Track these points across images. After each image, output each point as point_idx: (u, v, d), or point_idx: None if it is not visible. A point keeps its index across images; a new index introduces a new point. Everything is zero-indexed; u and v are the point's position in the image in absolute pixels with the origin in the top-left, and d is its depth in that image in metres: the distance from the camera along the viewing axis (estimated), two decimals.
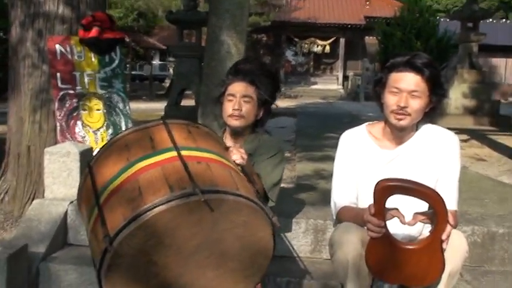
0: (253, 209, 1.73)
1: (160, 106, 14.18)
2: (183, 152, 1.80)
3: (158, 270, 1.71)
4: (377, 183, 1.90)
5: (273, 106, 2.69)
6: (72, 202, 3.12)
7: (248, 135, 2.61)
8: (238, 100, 2.50)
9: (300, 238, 3.04)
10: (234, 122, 2.52)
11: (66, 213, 3.10)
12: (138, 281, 1.70)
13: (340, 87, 29.91)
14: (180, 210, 1.63)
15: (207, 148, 1.91)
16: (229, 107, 2.52)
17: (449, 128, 2.43)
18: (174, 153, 1.80)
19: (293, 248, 3.03)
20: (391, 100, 2.23)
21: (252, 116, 2.55)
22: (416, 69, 2.19)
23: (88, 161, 2.02)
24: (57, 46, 3.51)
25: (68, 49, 3.51)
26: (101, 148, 2.00)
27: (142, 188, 1.68)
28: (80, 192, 2.01)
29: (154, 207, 1.60)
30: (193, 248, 1.71)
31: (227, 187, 1.72)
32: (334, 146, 2.50)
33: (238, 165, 2.01)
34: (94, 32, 3.45)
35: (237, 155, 2.04)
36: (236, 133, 2.59)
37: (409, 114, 2.21)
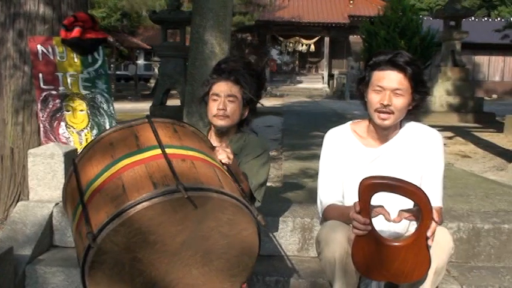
0: (238, 207, 1.73)
1: (145, 106, 14.13)
2: (168, 150, 1.80)
3: (143, 268, 1.70)
4: (361, 181, 1.90)
5: (259, 105, 2.68)
6: (57, 204, 3.09)
7: (234, 134, 2.60)
8: (223, 100, 2.48)
9: (288, 237, 3.04)
10: (219, 122, 2.51)
11: (51, 215, 3.07)
12: (123, 279, 1.69)
13: (326, 85, 30.03)
14: (164, 207, 1.62)
15: (192, 147, 1.91)
16: (214, 107, 2.50)
17: (433, 126, 2.44)
18: (158, 151, 1.80)
19: (281, 247, 3.03)
20: (374, 98, 2.24)
21: (237, 116, 2.54)
22: (399, 68, 2.20)
23: (73, 158, 2.01)
24: (39, 47, 3.47)
25: (50, 50, 3.47)
26: (86, 146, 1.99)
27: (126, 186, 1.68)
28: (64, 190, 2.00)
29: (138, 203, 1.60)
30: (178, 245, 1.71)
31: (211, 185, 1.72)
32: (321, 145, 2.50)
33: (224, 164, 2.00)
34: (76, 32, 3.41)
35: (223, 155, 2.03)
36: (221, 133, 2.57)
37: (393, 113, 2.22)
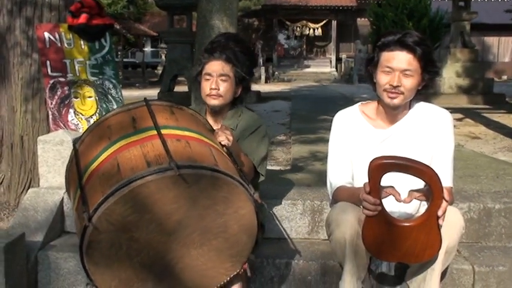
0: (232, 184, 1.74)
1: (153, 93, 14.16)
2: (163, 131, 1.82)
3: (140, 247, 1.71)
4: (371, 161, 1.89)
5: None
6: None
7: (229, 111, 2.62)
8: (215, 79, 2.49)
9: (298, 220, 3.05)
10: (212, 101, 2.52)
11: (62, 201, 3.09)
12: (121, 258, 1.71)
13: (334, 69, 29.88)
14: (157, 185, 1.64)
15: (188, 127, 1.92)
16: (206, 87, 2.51)
17: (443, 107, 2.42)
18: (154, 132, 1.82)
19: (291, 230, 3.04)
20: (383, 79, 2.22)
21: (230, 94, 2.55)
22: (408, 48, 2.17)
23: (73, 143, 2.03)
24: (46, 34, 3.45)
25: (57, 37, 3.46)
26: (85, 130, 2.02)
27: (121, 165, 1.71)
28: (67, 174, 2.02)
29: (131, 182, 1.62)
30: (174, 224, 1.72)
31: (205, 163, 1.73)
32: (329, 128, 2.49)
33: (224, 146, 2.01)
34: (83, 18, 3.40)
35: (223, 137, 2.04)
36: (215, 112, 2.59)
37: (402, 93, 2.20)
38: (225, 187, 1.73)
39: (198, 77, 2.58)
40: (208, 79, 2.51)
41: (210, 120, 2.57)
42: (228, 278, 1.92)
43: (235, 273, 1.92)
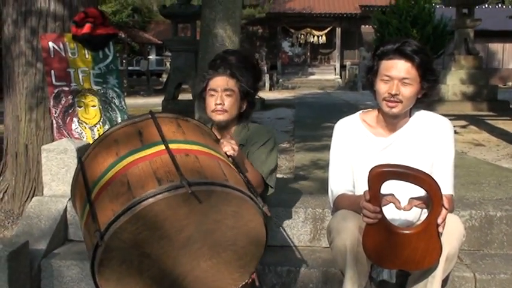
0: (242, 199, 1.74)
1: (158, 101, 14.20)
2: (172, 145, 1.81)
3: (151, 262, 1.72)
4: (371, 169, 1.90)
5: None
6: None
7: (236, 126, 2.61)
8: (220, 94, 2.48)
9: (299, 227, 3.06)
10: (218, 117, 2.51)
11: (65, 209, 3.11)
12: (132, 274, 1.71)
13: (338, 77, 29.88)
14: (168, 203, 1.63)
15: (195, 140, 1.91)
16: (211, 102, 2.51)
17: (447, 115, 2.43)
18: (162, 147, 1.81)
19: (293, 237, 3.05)
20: (382, 88, 2.24)
21: (236, 109, 2.54)
22: (406, 57, 2.19)
23: (79, 157, 2.03)
24: (51, 43, 3.50)
25: (62, 46, 3.50)
26: (91, 143, 2.01)
27: (131, 183, 1.70)
28: (73, 188, 2.02)
29: (143, 200, 1.61)
30: (184, 239, 1.72)
31: (215, 178, 1.73)
32: (332, 136, 2.50)
33: (229, 156, 2.01)
34: (86, 28, 3.44)
35: (228, 147, 2.04)
36: (221, 127, 2.58)
37: (401, 102, 2.21)
38: (235, 202, 1.73)
39: (203, 93, 2.58)
40: (213, 95, 2.50)
41: (217, 137, 2.58)
42: None
43: (244, 283, 1.93)
